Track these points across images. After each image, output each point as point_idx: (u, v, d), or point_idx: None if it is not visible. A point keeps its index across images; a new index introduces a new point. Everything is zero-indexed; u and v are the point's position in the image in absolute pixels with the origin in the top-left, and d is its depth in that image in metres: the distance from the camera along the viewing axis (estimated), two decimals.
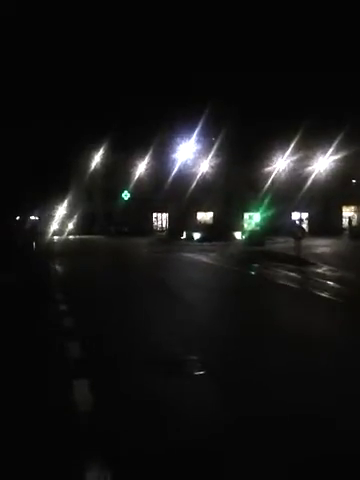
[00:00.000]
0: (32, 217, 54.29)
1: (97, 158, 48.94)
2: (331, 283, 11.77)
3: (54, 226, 49.28)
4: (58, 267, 16.73)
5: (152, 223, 52.13)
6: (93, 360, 5.26)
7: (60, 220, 51.23)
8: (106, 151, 47.55)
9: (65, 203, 50.88)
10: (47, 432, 3.52)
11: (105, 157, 48.54)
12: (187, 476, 2.94)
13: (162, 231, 49.44)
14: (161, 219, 52.81)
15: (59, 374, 4.82)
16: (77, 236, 46.03)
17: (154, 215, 52.34)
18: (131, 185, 46.51)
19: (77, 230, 49.17)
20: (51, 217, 51.48)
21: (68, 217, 51.14)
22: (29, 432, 3.53)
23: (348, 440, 3.34)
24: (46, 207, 50.52)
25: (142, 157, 46.79)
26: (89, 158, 48.37)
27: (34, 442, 3.37)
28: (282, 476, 2.93)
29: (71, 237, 45.05)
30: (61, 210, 51.85)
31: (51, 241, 36.84)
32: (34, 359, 5.39)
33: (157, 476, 2.93)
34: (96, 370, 4.88)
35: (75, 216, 50.57)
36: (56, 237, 43.20)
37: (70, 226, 50.64)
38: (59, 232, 46.93)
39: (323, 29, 53.22)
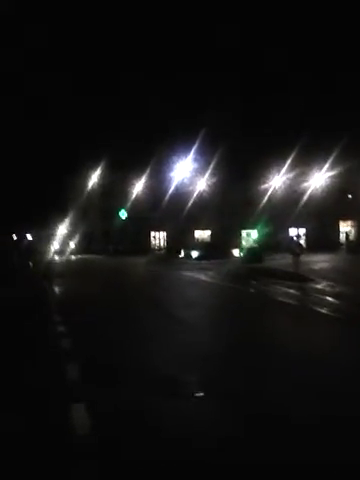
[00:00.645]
0: (28, 236, 54.21)
1: (94, 177, 49.16)
2: (330, 299, 11.72)
3: (55, 246, 47.67)
4: (55, 287, 16.63)
5: (150, 242, 52.08)
6: (91, 382, 5.18)
7: (61, 240, 50.08)
8: (103, 170, 47.79)
9: (65, 222, 50.16)
10: (45, 456, 3.44)
11: (102, 176, 48.77)
12: None
13: (160, 250, 49.38)
14: (159, 238, 52.79)
15: (57, 396, 4.74)
16: (78, 256, 45.58)
17: (152, 234, 52.33)
18: (128, 204, 46.63)
19: (77, 249, 48.54)
20: (49, 236, 50.73)
21: (69, 236, 50.22)
22: (28, 456, 3.45)
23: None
24: (43, 226, 50.45)
25: (139, 176, 47.03)
26: (86, 177, 48.59)
27: (33, 464, 3.30)
28: None
29: (73, 257, 44.46)
30: (62, 229, 50.80)
31: (51, 261, 36.57)
32: (32, 380, 5.31)
33: None
34: (94, 392, 4.80)
35: (76, 235, 49.63)
36: (57, 257, 42.03)
37: (72, 245, 49.63)
38: (60, 252, 45.72)
39: (322, 42, 53.98)
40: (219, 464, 3.29)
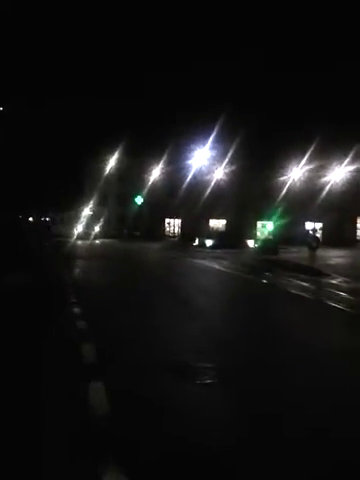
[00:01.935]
0: (47, 218, 54.42)
1: (112, 162, 49.24)
2: (345, 294, 11.64)
3: (78, 229, 45.46)
4: (71, 270, 16.79)
5: (164, 228, 52.18)
6: (107, 365, 5.25)
7: (85, 223, 46.82)
8: (121, 155, 47.82)
9: (89, 206, 48.03)
10: (64, 435, 3.52)
11: (120, 161, 48.83)
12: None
13: (174, 236, 49.47)
14: (173, 224, 52.83)
15: (74, 377, 4.82)
16: (103, 240, 42.97)
17: (167, 220, 52.40)
18: (145, 190, 46.66)
19: (101, 233, 46.13)
20: (69, 219, 48.96)
21: (94, 220, 47.09)
22: (47, 436, 3.52)
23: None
24: (62, 209, 50.54)
25: (157, 162, 46.96)
26: (104, 162, 48.68)
27: (51, 445, 3.37)
28: None
29: (97, 241, 41.24)
30: (85, 212, 48.10)
31: (71, 244, 34.47)
32: (48, 362, 5.41)
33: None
34: (110, 374, 4.87)
35: (100, 219, 47.07)
36: (80, 241, 39.34)
37: (96, 229, 46.49)
38: (84, 235, 42.80)
39: (339, 39, 53.07)
40: (222, 450, 3.33)
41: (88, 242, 38.39)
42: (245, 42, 52.10)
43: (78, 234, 43.43)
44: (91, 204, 47.68)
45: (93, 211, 47.79)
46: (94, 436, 3.48)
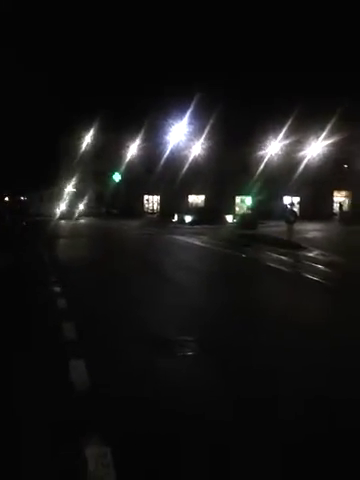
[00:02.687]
0: (21, 198, 53.31)
1: (88, 139, 48.31)
2: (321, 267, 11.88)
3: (61, 207, 42.34)
4: (49, 248, 16.63)
5: (143, 205, 51.91)
6: (86, 341, 5.28)
7: (68, 201, 43.60)
8: (97, 132, 46.94)
9: (72, 182, 45.15)
10: (45, 411, 3.54)
11: (96, 138, 47.93)
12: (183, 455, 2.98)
13: (153, 213, 49.31)
14: (152, 201, 52.61)
15: (55, 354, 4.83)
16: (87, 218, 40.66)
17: (145, 197, 52.10)
18: (122, 167, 46.10)
19: (85, 211, 43.58)
20: (53, 197, 46.09)
21: (77, 197, 43.95)
22: (31, 414, 3.54)
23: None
24: (39, 188, 49.37)
25: (133, 139, 46.34)
26: (80, 139, 47.73)
27: (36, 420, 3.40)
28: (278, 457, 2.98)
29: (82, 220, 38.71)
30: (69, 189, 45.07)
31: (54, 224, 32.31)
32: (28, 339, 5.40)
33: (154, 452, 2.97)
34: (90, 351, 4.90)
35: (85, 197, 43.91)
36: (63, 220, 36.92)
37: (80, 207, 43.59)
38: (67, 214, 40.09)
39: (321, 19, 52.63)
40: (206, 418, 3.41)
41: (71, 222, 36.28)
42: (222, 16, 51.21)
43: (61, 213, 40.95)
44: (73, 181, 45.12)
45: (76, 188, 45.12)
46: (75, 411, 3.51)
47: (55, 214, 40.06)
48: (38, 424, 3.35)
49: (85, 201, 44.06)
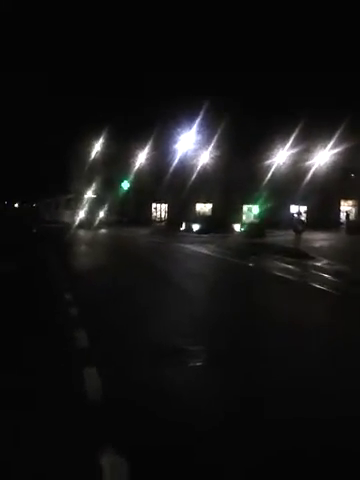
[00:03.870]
0: (34, 205, 53.45)
1: (97, 147, 48.70)
2: (328, 276, 11.94)
3: (79, 215, 37.55)
4: (58, 255, 16.81)
5: (151, 213, 52.09)
6: (98, 348, 5.40)
7: (88, 208, 38.29)
8: (106, 140, 47.31)
9: (91, 188, 40.29)
10: (60, 422, 3.66)
11: (105, 146, 48.30)
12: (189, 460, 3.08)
13: (161, 221, 49.43)
14: (160, 209, 52.78)
15: (68, 363, 4.96)
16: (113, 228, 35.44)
17: (153, 205, 52.29)
18: (131, 175, 46.35)
19: (106, 221, 38.41)
20: (68, 204, 40.98)
21: (98, 204, 38.44)
22: (46, 423, 3.66)
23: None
24: (51, 195, 49.07)
25: (142, 147, 46.64)
26: (90, 146, 48.10)
27: (50, 430, 3.52)
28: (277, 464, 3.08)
29: (103, 230, 33.87)
30: (88, 196, 39.59)
31: (69, 233, 28.98)
32: (40, 346, 5.53)
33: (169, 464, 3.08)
34: (103, 359, 5.02)
35: (106, 204, 38.96)
36: (82, 230, 32.67)
37: (101, 215, 38.39)
38: (87, 222, 35.39)
39: (326, 23, 52.95)
40: (213, 430, 3.52)
41: (91, 231, 32.18)
42: (230, 26, 51.68)
43: (80, 221, 36.39)
44: (92, 187, 40.51)
45: (97, 194, 39.82)
46: (90, 421, 3.62)
47: (72, 222, 36.02)
48: (53, 431, 3.47)
49: (105, 209, 39.31)
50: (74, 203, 39.21)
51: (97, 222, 36.53)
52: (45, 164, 47.30)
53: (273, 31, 52.66)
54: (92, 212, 37.95)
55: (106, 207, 39.05)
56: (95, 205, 38.57)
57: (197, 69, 48.31)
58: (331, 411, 3.83)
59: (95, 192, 40.07)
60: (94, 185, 40.52)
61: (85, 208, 38.35)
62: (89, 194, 39.76)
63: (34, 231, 28.38)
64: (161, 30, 52.14)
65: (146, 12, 54.64)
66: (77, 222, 36.11)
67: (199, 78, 43.78)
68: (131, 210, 47.27)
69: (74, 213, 37.87)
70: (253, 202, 46.24)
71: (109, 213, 40.18)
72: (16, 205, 51.44)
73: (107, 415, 3.69)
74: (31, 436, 3.37)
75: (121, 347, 5.54)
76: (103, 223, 37.08)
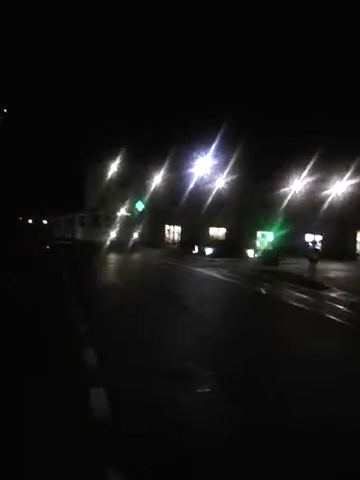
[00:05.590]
0: (44, 221, 54.05)
1: (114, 167, 49.33)
2: (343, 308, 11.69)
3: (111, 235, 32.32)
4: (68, 271, 16.81)
5: (164, 235, 52.22)
6: (107, 368, 5.29)
7: (121, 227, 33.30)
8: (122, 161, 47.93)
9: (126, 204, 36.22)
10: (68, 441, 3.55)
11: (121, 167, 48.90)
12: None
13: (174, 244, 49.48)
14: (173, 232, 52.90)
15: (77, 382, 4.86)
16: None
17: (167, 227, 52.46)
18: (146, 196, 46.71)
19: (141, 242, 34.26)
20: (90, 221, 36.36)
21: (131, 223, 34.02)
22: (53, 440, 3.56)
23: None
24: (64, 212, 49.46)
25: (158, 169, 47.12)
26: (106, 166, 48.75)
27: (58, 448, 3.40)
28: None
29: (138, 255, 29.58)
30: (122, 214, 34.72)
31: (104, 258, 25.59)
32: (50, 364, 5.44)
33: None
34: (113, 380, 4.91)
35: (141, 223, 34.71)
36: (113, 254, 27.97)
37: (135, 236, 33.60)
38: (118, 244, 30.52)
39: (344, 47, 53.49)
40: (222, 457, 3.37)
41: (122, 255, 28.02)
42: (245, 44, 52.44)
43: (111, 242, 31.51)
44: (127, 204, 35.80)
45: (130, 212, 35.18)
46: (97, 442, 3.51)
47: (102, 242, 30.86)
48: (62, 450, 3.36)
49: (139, 229, 34.46)
50: (104, 221, 34.10)
51: (131, 243, 31.90)
52: (60, 181, 47.96)
53: (288, 46, 53.27)
54: (127, 232, 32.98)
55: (139, 228, 34.63)
56: (128, 224, 33.99)
57: (214, 94, 49.02)
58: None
59: (128, 209, 35.55)
60: (127, 203, 35.95)
61: (117, 228, 33.49)
62: (122, 212, 34.93)
63: (46, 247, 28.37)
64: (181, 57, 53.18)
65: (159, 43, 55.92)
66: (109, 243, 31.24)
67: (215, 101, 44.38)
68: (144, 231, 47.40)
69: (104, 232, 32.51)
70: (268, 229, 46.08)
71: (145, 233, 35.77)
72: (30, 221, 52.03)
73: (115, 436, 3.57)
74: (43, 455, 3.26)
75: (130, 369, 5.43)
76: (138, 244, 32.73)
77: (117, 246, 30.06)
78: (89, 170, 50.09)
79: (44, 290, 11.43)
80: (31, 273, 14.37)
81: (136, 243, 32.48)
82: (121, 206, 35.12)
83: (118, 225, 33.46)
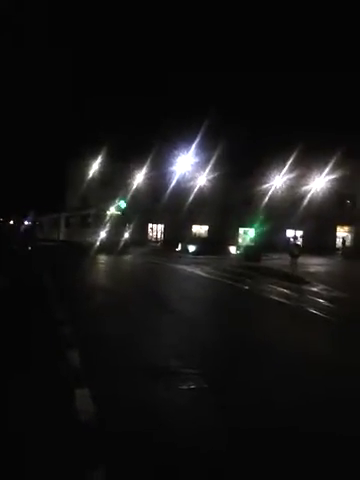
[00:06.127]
0: (26, 222, 53.42)
1: (95, 166, 48.98)
2: (323, 301, 11.89)
3: (101, 235, 30.77)
4: (50, 271, 16.69)
5: (147, 234, 52.15)
6: (90, 369, 5.30)
7: (111, 227, 31.43)
8: (104, 159, 47.65)
9: (115, 203, 34.00)
10: (52, 440, 3.56)
11: (103, 166, 48.61)
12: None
13: (157, 242, 49.46)
14: (156, 230, 52.86)
15: (60, 384, 4.86)
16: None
17: (149, 226, 52.39)
18: (128, 195, 46.51)
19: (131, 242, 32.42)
20: (76, 221, 35.50)
21: (122, 223, 31.95)
22: (37, 441, 3.56)
23: None
24: (48, 212, 48.76)
25: (140, 168, 47.00)
26: (88, 165, 48.39)
27: (40, 448, 3.42)
28: None
29: (129, 256, 28.18)
30: (111, 212, 32.60)
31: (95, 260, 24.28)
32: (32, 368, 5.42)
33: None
34: (95, 380, 4.92)
35: (132, 222, 33.05)
36: (103, 255, 26.73)
37: (126, 236, 31.62)
38: (108, 245, 28.97)
39: (324, 40, 54.12)
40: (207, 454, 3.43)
41: (113, 256, 26.97)
42: (229, 47, 52.78)
43: (101, 242, 30.14)
44: (112, 203, 33.63)
45: (121, 211, 33.26)
46: (81, 442, 3.53)
47: (91, 243, 29.77)
48: (45, 453, 3.37)
49: (129, 229, 32.39)
50: (93, 221, 32.55)
51: (121, 244, 30.17)
52: (42, 182, 47.45)
53: (274, 51, 53.75)
54: (117, 232, 31.04)
55: (130, 227, 32.59)
56: (118, 224, 31.88)
57: (196, 92, 49.16)
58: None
59: (118, 208, 33.52)
60: (116, 201, 34.10)
61: (106, 228, 31.57)
62: (112, 211, 32.89)
63: (29, 248, 28.03)
64: (166, 55, 53.18)
65: (146, 27, 55.69)
66: (98, 244, 29.86)
67: (198, 100, 44.55)
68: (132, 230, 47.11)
69: (93, 233, 31.03)
70: (249, 225, 46.44)
71: (134, 233, 34.01)
72: (11, 222, 51.42)
73: (99, 436, 3.59)
74: (27, 457, 3.26)
75: (113, 368, 5.44)
76: (129, 246, 30.97)
77: (107, 247, 28.85)
78: (70, 169, 49.68)
79: (24, 291, 11.35)
80: (11, 274, 14.23)
81: (127, 243, 31.10)
82: (105, 205, 33.46)
83: (108, 225, 31.75)
